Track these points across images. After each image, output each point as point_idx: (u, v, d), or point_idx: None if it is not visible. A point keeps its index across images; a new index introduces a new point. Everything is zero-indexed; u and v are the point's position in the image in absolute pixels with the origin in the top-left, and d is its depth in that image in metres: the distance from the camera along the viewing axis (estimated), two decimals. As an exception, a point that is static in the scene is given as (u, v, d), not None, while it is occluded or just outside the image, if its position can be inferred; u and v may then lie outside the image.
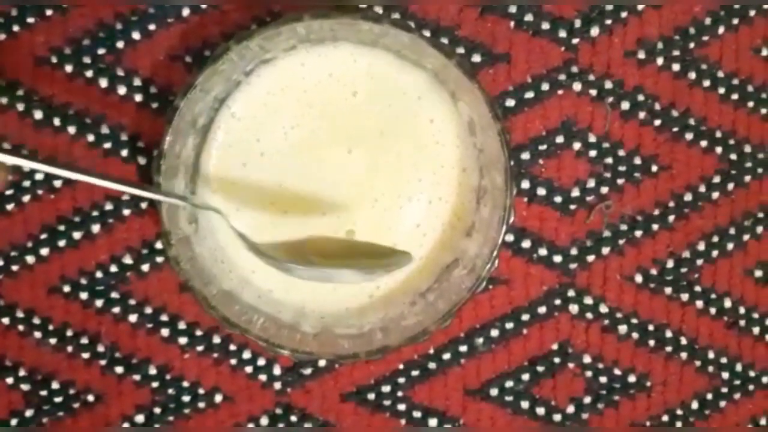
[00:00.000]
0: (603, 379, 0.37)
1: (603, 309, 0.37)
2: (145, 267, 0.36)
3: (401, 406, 0.37)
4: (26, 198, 0.36)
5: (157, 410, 0.36)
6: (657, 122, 0.37)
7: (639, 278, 0.37)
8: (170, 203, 0.31)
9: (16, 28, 0.35)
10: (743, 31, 0.37)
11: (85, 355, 0.36)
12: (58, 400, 0.36)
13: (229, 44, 0.30)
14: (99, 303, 0.36)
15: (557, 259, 0.37)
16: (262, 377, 0.36)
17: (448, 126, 0.34)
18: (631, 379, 0.37)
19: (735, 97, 0.37)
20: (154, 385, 0.36)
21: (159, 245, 0.36)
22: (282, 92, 0.33)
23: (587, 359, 0.37)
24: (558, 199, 0.37)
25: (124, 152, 0.36)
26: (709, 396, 0.38)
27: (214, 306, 0.31)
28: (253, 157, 0.33)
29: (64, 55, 0.35)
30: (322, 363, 0.36)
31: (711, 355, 0.38)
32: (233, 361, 0.36)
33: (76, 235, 0.36)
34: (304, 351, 0.31)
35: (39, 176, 0.36)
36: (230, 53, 0.30)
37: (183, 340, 0.36)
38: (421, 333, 0.32)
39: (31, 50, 0.35)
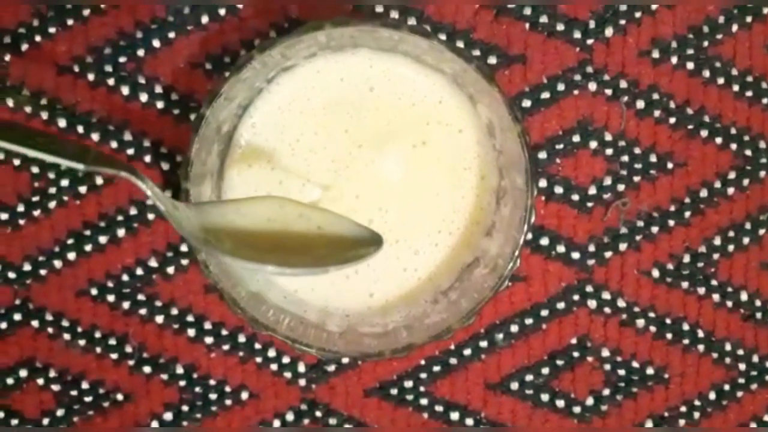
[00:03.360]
0: (621, 372, 0.38)
1: (621, 304, 0.38)
2: (171, 269, 0.37)
3: (423, 401, 0.38)
4: (52, 204, 0.36)
5: (185, 408, 0.37)
6: (672, 120, 0.37)
7: (656, 273, 0.38)
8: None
9: (38, 38, 0.36)
10: (757, 29, 0.37)
11: (114, 356, 0.37)
12: (88, 399, 0.37)
13: (252, 53, 0.31)
14: (126, 305, 0.37)
15: (575, 255, 0.37)
16: (287, 374, 0.37)
17: (467, 128, 0.34)
18: (649, 371, 0.38)
19: (749, 94, 0.37)
20: (182, 383, 0.37)
21: (184, 248, 0.37)
22: (303, 97, 0.34)
23: (606, 353, 0.38)
24: (575, 197, 0.37)
25: (147, 158, 0.36)
26: (726, 387, 0.38)
27: (243, 307, 0.32)
28: (276, 161, 0.34)
29: (85, 64, 0.36)
30: (345, 360, 0.37)
31: (728, 347, 0.38)
32: (258, 360, 0.37)
33: (102, 239, 0.36)
34: (330, 350, 0.32)
35: (64, 182, 0.36)
36: (253, 62, 0.31)
37: (209, 340, 0.37)
38: (445, 331, 0.32)
39: (54, 60, 0.36)
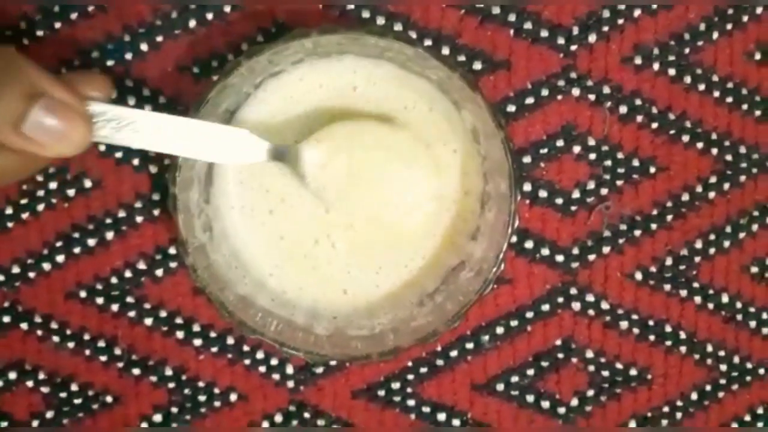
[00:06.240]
0: (605, 373, 0.38)
1: (604, 306, 0.38)
2: (159, 272, 0.37)
3: (411, 402, 0.38)
4: (40, 207, 0.36)
5: (174, 410, 0.37)
6: (654, 125, 0.37)
7: (639, 276, 0.38)
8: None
9: (26, 41, 0.36)
10: (737, 36, 0.37)
11: (103, 358, 0.37)
12: (77, 401, 0.37)
13: (239, 59, 0.31)
14: (115, 307, 0.37)
15: (559, 258, 0.38)
16: (276, 376, 0.37)
17: (452, 134, 0.34)
18: (633, 372, 0.38)
19: (729, 100, 0.38)
20: (171, 385, 0.37)
21: (172, 250, 0.37)
22: (291, 102, 0.34)
23: (590, 354, 0.38)
24: (559, 200, 0.37)
25: (136, 161, 0.36)
26: (708, 388, 0.39)
27: (231, 311, 0.32)
28: (265, 165, 0.34)
29: (73, 67, 0.36)
30: (333, 362, 0.37)
31: (709, 348, 0.39)
32: (247, 362, 0.37)
33: (91, 242, 0.36)
34: (318, 353, 0.32)
35: (53, 185, 0.36)
36: (241, 68, 0.31)
37: (198, 342, 0.37)
38: (431, 334, 0.32)
39: (41, 63, 0.35)
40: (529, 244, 0.37)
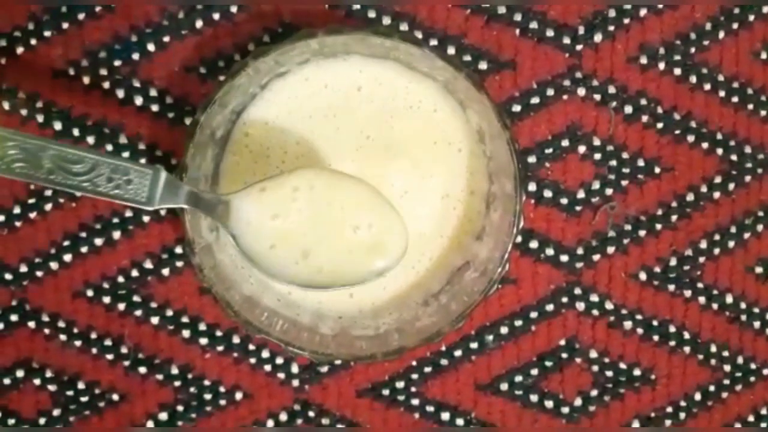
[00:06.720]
0: (609, 373, 0.38)
1: (608, 306, 0.38)
2: (165, 271, 0.37)
3: (415, 401, 0.38)
4: (48, 206, 0.37)
5: (180, 408, 0.37)
6: (659, 125, 0.38)
7: (643, 276, 0.38)
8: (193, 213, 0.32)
9: (33, 41, 0.36)
10: (743, 36, 0.37)
11: (110, 356, 0.37)
12: (84, 399, 0.37)
13: (246, 60, 0.31)
14: (121, 306, 0.37)
15: (564, 258, 0.38)
16: (281, 375, 0.38)
17: (458, 134, 0.35)
18: (636, 372, 0.38)
19: (735, 99, 0.38)
20: (177, 384, 0.37)
21: (178, 250, 0.37)
22: (296, 103, 0.34)
23: (594, 354, 0.38)
24: (564, 200, 0.38)
25: (142, 161, 0.37)
26: (712, 388, 0.39)
27: (237, 311, 0.32)
28: (271, 166, 0.34)
29: (81, 68, 0.36)
30: (338, 361, 0.37)
31: (713, 348, 0.39)
32: (252, 360, 0.38)
33: (98, 241, 0.37)
34: (323, 353, 0.33)
35: (60, 185, 0.37)
36: (247, 69, 0.31)
37: (204, 341, 0.37)
38: (436, 334, 0.33)
39: (49, 63, 0.36)
40: (533, 244, 0.38)
